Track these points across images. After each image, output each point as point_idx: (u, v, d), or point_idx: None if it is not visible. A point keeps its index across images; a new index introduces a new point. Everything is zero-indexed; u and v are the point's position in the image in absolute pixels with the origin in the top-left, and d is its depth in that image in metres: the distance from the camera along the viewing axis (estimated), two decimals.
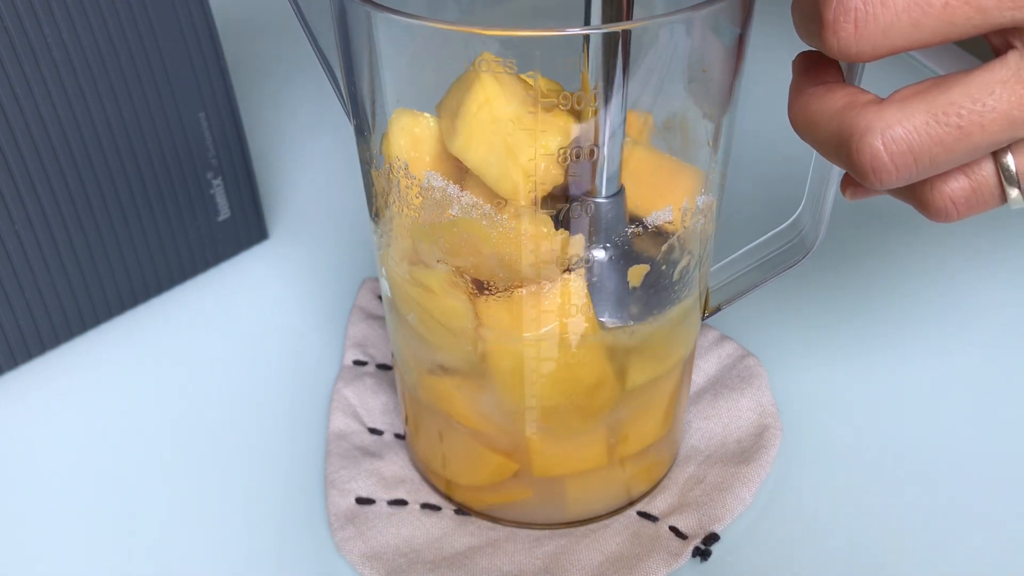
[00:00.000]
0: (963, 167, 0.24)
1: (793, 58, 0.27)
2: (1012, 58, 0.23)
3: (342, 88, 0.30)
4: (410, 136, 0.28)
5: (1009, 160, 0.24)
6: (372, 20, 0.26)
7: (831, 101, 0.25)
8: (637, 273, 0.29)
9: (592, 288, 0.28)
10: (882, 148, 0.23)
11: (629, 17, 0.26)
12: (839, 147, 0.24)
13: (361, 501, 0.35)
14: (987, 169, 0.24)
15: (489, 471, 0.33)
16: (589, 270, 0.28)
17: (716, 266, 0.34)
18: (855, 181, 0.29)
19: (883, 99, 0.24)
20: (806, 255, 0.33)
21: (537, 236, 0.27)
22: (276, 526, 0.35)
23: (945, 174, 0.25)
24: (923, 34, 0.23)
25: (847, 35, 0.23)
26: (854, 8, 0.23)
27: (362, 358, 0.41)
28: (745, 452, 0.36)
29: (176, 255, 0.45)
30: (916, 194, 0.25)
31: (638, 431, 0.33)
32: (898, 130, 0.23)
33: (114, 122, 0.40)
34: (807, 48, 0.26)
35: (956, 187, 0.25)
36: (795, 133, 0.27)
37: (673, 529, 0.34)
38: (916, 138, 0.23)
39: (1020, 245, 0.46)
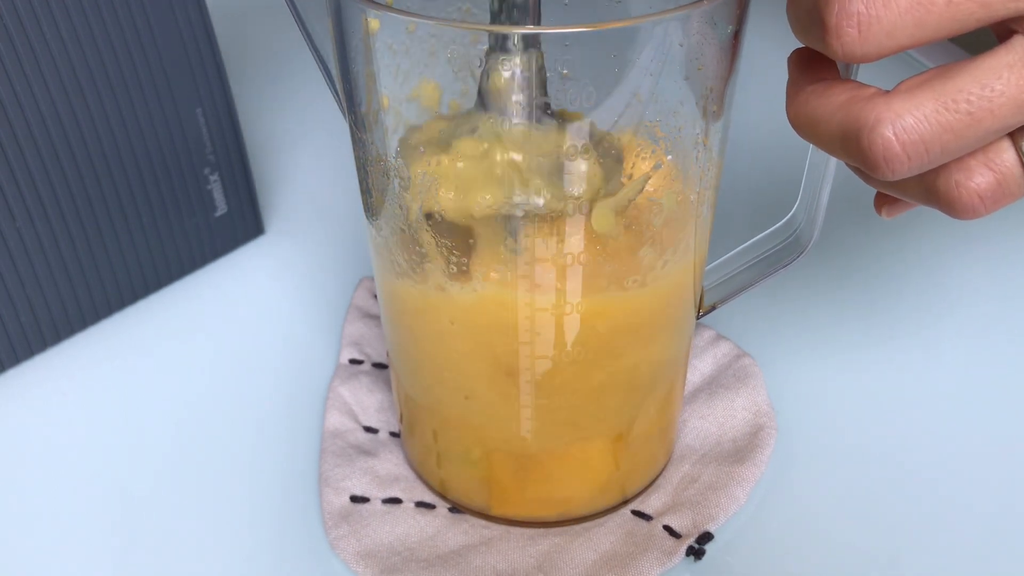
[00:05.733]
0: (984, 159, 0.24)
1: (788, 55, 0.27)
2: (1017, 43, 0.23)
3: (337, 85, 0.30)
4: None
5: None
6: (367, 16, 0.26)
7: (833, 97, 0.25)
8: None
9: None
10: (894, 138, 0.23)
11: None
12: (846, 142, 0.24)
13: (355, 499, 0.35)
14: (1009, 159, 0.24)
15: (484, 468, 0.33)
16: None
17: (711, 265, 0.34)
18: (890, 198, 0.29)
19: (888, 91, 0.24)
20: (801, 254, 0.33)
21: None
22: (270, 524, 0.35)
23: (969, 170, 0.24)
24: (927, 32, 0.23)
25: (851, 39, 0.23)
26: (856, 12, 0.23)
27: (358, 357, 0.41)
28: (740, 451, 0.36)
29: (174, 251, 0.44)
30: (940, 194, 0.25)
31: (634, 429, 0.33)
32: (908, 120, 0.23)
33: (112, 118, 0.40)
34: (802, 45, 0.26)
35: (982, 181, 0.24)
36: (792, 131, 0.27)
37: (667, 528, 0.34)
38: (927, 127, 0.23)
39: (1018, 244, 0.46)
